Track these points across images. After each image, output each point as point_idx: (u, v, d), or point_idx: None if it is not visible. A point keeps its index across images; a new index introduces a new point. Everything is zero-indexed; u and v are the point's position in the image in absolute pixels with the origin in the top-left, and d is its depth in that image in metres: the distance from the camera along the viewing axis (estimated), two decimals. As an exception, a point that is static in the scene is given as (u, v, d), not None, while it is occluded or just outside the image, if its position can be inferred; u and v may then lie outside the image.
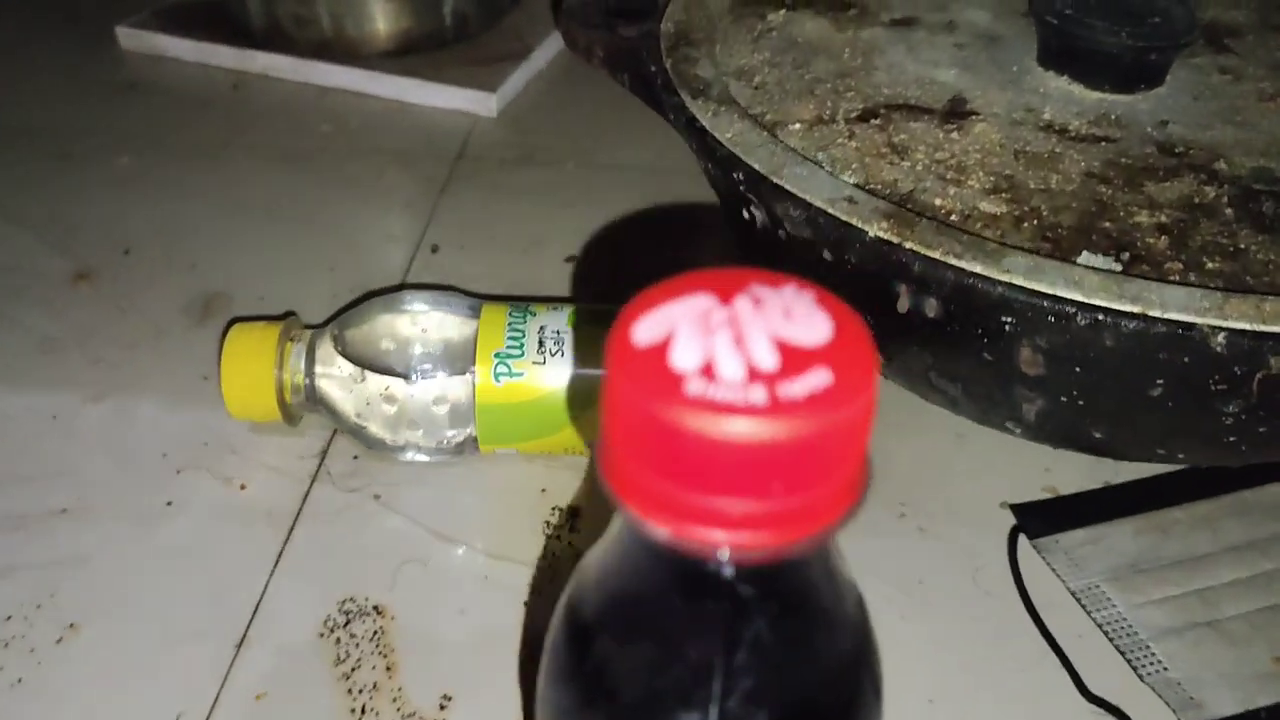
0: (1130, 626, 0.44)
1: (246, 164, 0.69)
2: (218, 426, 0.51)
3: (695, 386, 0.17)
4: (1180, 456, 0.42)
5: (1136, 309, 0.34)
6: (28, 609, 0.44)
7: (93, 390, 0.53)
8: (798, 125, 0.44)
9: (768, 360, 0.18)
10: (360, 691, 0.41)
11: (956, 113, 0.45)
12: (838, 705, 0.21)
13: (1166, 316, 0.33)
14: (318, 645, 0.43)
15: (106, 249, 0.62)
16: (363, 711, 0.41)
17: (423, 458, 0.49)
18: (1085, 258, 0.37)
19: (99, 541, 0.46)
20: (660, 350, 0.18)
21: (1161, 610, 0.44)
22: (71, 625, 0.43)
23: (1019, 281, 0.34)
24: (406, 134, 0.73)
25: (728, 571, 0.19)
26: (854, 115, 0.45)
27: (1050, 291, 0.34)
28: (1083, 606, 0.45)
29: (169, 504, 0.48)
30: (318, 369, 0.47)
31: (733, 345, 0.18)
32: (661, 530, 0.18)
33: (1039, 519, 0.48)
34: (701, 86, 0.44)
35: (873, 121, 0.45)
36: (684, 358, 0.18)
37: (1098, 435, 0.40)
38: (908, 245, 0.36)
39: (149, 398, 0.53)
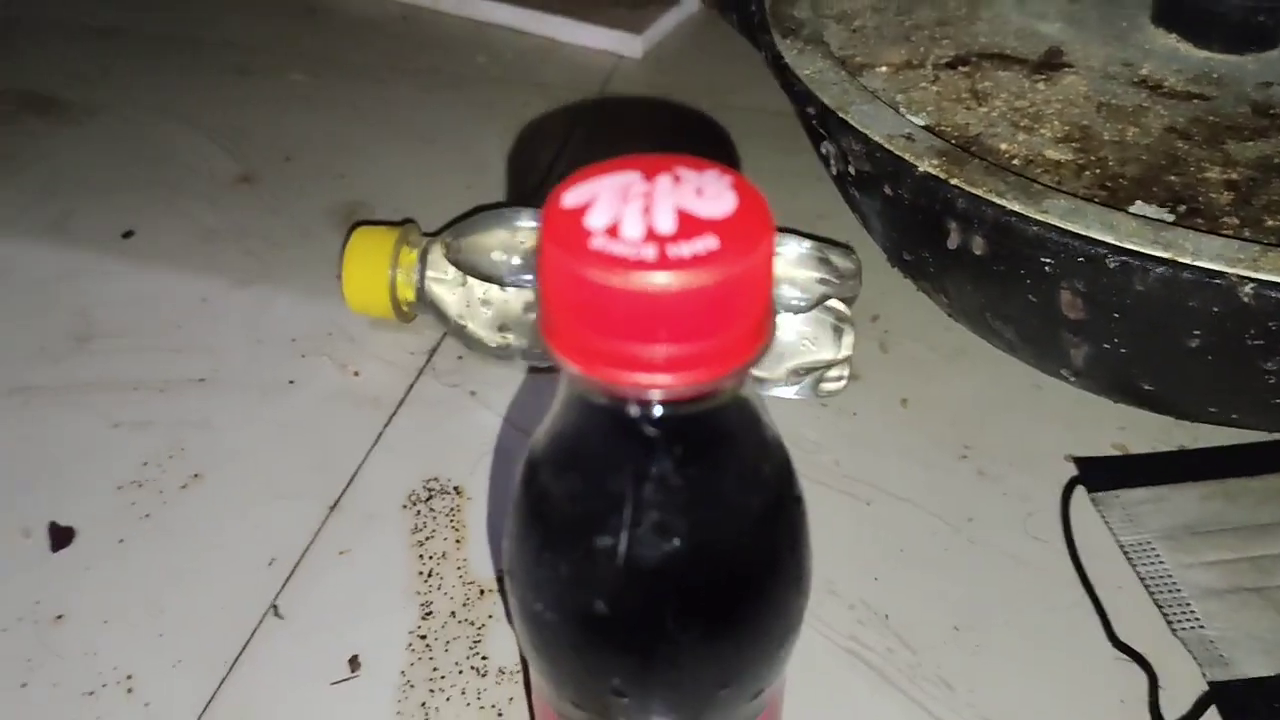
0: (1174, 583, 0.44)
1: (406, 88, 0.74)
2: (342, 320, 0.56)
3: (598, 242, 0.20)
4: (1234, 418, 0.42)
5: (1167, 255, 0.34)
6: (161, 458, 0.50)
7: (240, 278, 0.59)
8: (884, 68, 0.46)
9: (667, 225, 0.20)
10: (430, 558, 0.46)
11: (1049, 64, 0.46)
12: (745, 555, 0.24)
13: (1196, 264, 0.34)
14: (400, 515, 0.47)
15: (270, 155, 0.68)
16: (429, 575, 0.45)
17: (517, 362, 0.52)
18: (1138, 207, 0.38)
19: (227, 408, 0.52)
20: (579, 213, 0.21)
21: (1209, 572, 0.44)
22: (195, 475, 0.49)
23: (1055, 222, 0.36)
24: (554, 69, 0.77)
25: (634, 412, 0.22)
26: (943, 62, 0.46)
27: (1084, 233, 0.35)
28: (1129, 560, 0.45)
29: (291, 382, 0.53)
30: (429, 272, 0.52)
31: (640, 212, 0.21)
32: (576, 370, 0.21)
33: (1102, 473, 0.48)
34: (794, 26, 0.46)
35: (960, 69, 0.46)
36: (596, 219, 0.21)
37: (1147, 387, 0.41)
38: (953, 182, 0.37)
39: (287, 289, 0.58)
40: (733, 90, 0.73)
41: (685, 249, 0.20)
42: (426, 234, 0.54)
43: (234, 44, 0.79)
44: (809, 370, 0.49)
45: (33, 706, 0.41)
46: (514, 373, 0.53)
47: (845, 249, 0.50)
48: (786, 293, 0.48)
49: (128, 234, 0.62)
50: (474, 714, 0.40)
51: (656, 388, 0.21)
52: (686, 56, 0.78)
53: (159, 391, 0.53)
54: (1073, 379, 0.43)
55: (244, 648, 0.42)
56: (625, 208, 0.21)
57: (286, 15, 0.83)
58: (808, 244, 0.49)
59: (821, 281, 0.49)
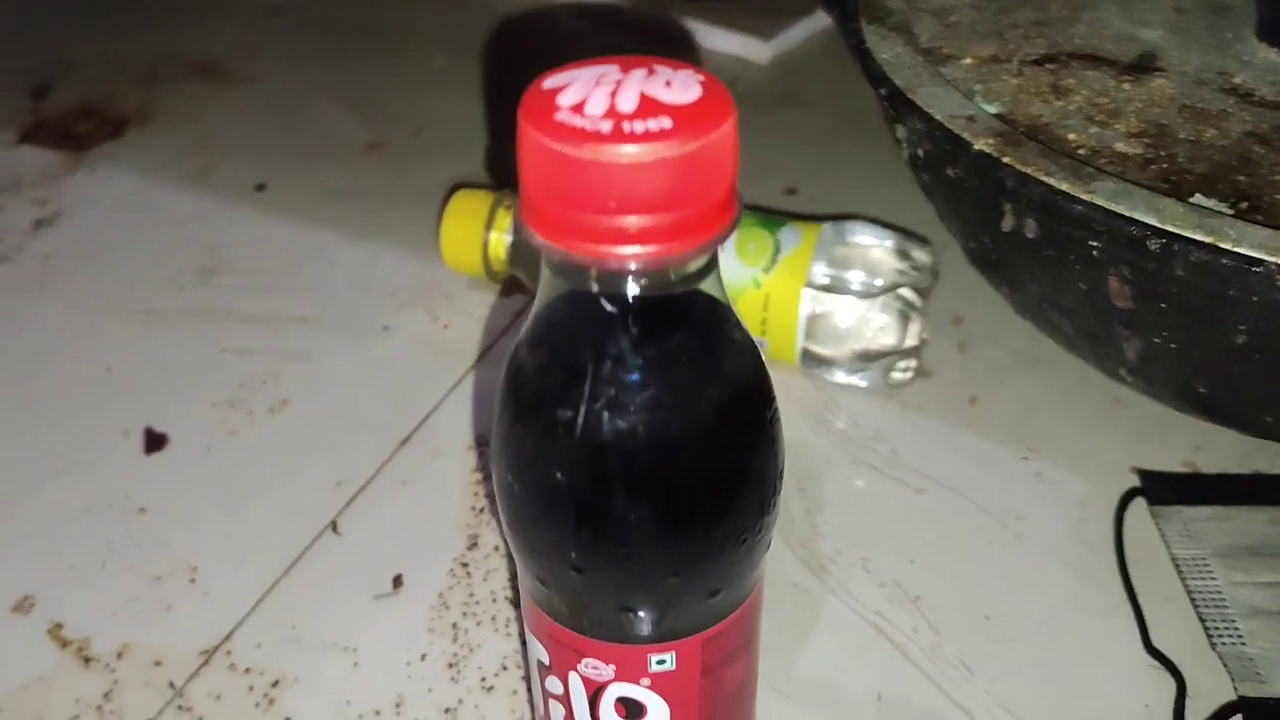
0: (1222, 599, 0.43)
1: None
2: (441, 279, 0.59)
3: (562, 115, 0.22)
4: (1293, 428, 0.40)
5: (1208, 239, 0.34)
6: (255, 383, 0.53)
7: (355, 233, 0.63)
8: (969, 60, 0.46)
9: (629, 106, 0.22)
10: (484, 496, 0.48)
11: (1140, 66, 0.46)
12: (697, 443, 0.25)
13: (1236, 250, 0.33)
14: (464, 455, 0.50)
15: (403, 128, 0.72)
16: (481, 510, 0.47)
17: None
18: (1197, 199, 0.37)
19: (323, 345, 0.55)
20: (553, 94, 0.23)
21: (1261, 592, 0.43)
22: (284, 401, 0.52)
23: (1100, 203, 0.36)
24: (683, 69, 0.79)
25: (596, 289, 0.24)
26: (1031, 59, 0.47)
27: (1127, 214, 0.35)
28: (1179, 573, 0.44)
29: (385, 328, 0.57)
30: (519, 233, 0.54)
31: (607, 95, 0.22)
32: (543, 242, 0.23)
33: (1166, 488, 0.47)
34: (882, 14, 0.47)
35: (1047, 66, 0.46)
36: (566, 99, 0.22)
37: (1201, 389, 0.40)
38: (1005, 160, 0.37)
39: (396, 246, 0.62)
40: (856, 99, 0.74)
41: (640, 125, 0.21)
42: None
43: (388, 29, 0.84)
44: (876, 357, 0.50)
45: (107, 582, 0.44)
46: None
47: (922, 241, 0.50)
48: (858, 277, 0.49)
49: (260, 187, 0.66)
50: (500, 640, 0.42)
51: (611, 259, 0.22)
52: (814, 65, 0.79)
53: (265, 325, 0.57)
54: (1130, 379, 0.43)
55: (300, 556, 0.45)
56: (595, 90, 0.22)
57: (441, 5, 0.87)
58: (886, 233, 0.50)
59: (896, 270, 0.49)
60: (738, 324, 0.26)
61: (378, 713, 0.40)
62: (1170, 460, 0.49)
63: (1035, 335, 0.54)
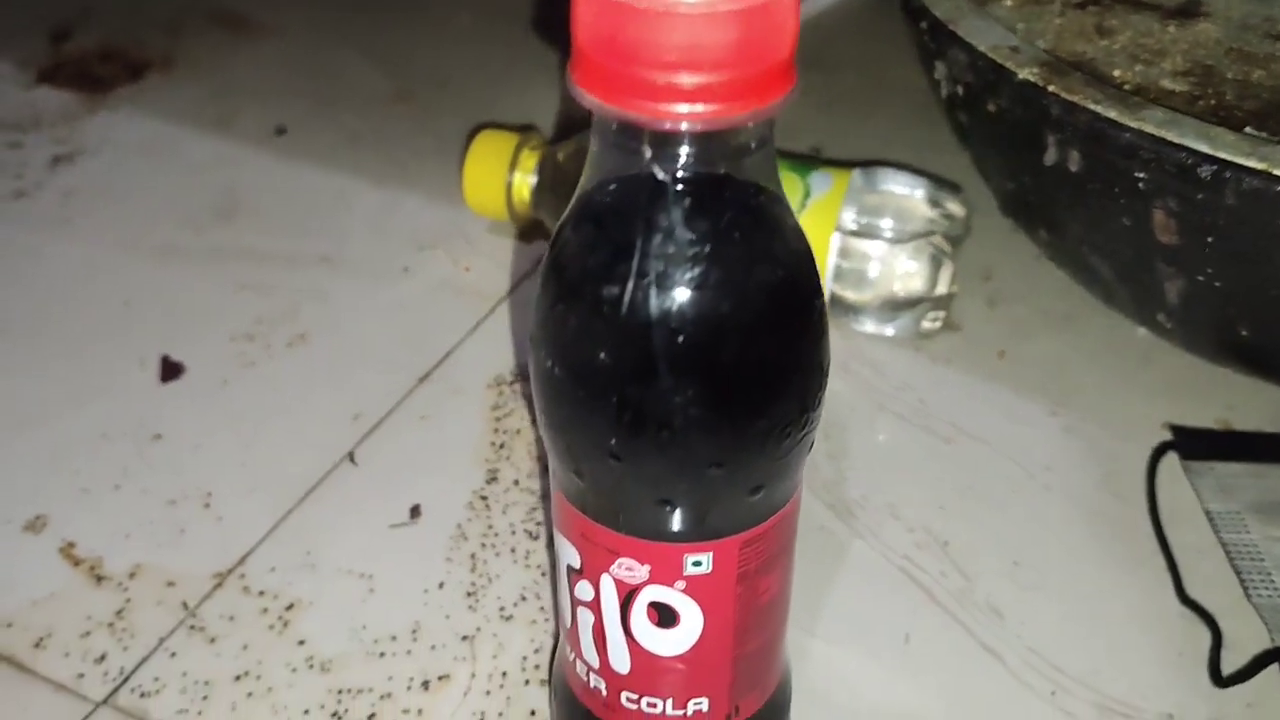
0: (1258, 552, 0.42)
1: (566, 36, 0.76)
2: (463, 223, 0.58)
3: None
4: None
5: (1261, 166, 0.33)
6: (273, 319, 0.53)
7: (377, 179, 0.62)
8: (1011, 2, 0.46)
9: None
10: (505, 433, 0.47)
11: (1186, 11, 0.45)
12: (745, 327, 0.24)
13: (1291, 176, 0.32)
14: (484, 393, 0.49)
15: (429, 80, 0.71)
16: (501, 446, 0.46)
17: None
18: (1248, 131, 0.37)
19: (342, 284, 0.55)
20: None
21: (1298, 547, 0.42)
22: (302, 336, 0.52)
23: (1150, 130, 0.35)
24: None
25: (649, 156, 0.23)
26: (1074, 2, 0.46)
27: (1179, 141, 0.34)
28: (1214, 527, 0.43)
29: (405, 269, 0.56)
30: (546, 173, 0.54)
31: (668, -53, 0.22)
32: (596, 102, 0.22)
33: (1200, 444, 0.46)
34: (924, -47, 0.46)
35: (1090, 8, 0.45)
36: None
37: (1244, 332, 0.39)
38: (1051, 89, 0.37)
39: (418, 192, 0.61)
40: (885, 68, 0.73)
41: (706, -20, 0.21)
42: (549, 143, 0.56)
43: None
44: (905, 305, 0.49)
45: (121, 505, 0.44)
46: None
47: (955, 189, 0.49)
48: (889, 224, 0.48)
49: (281, 131, 0.65)
50: (519, 571, 0.41)
51: (666, 118, 0.21)
52: (839, 32, 0.78)
53: (283, 264, 0.56)
54: (1169, 325, 0.42)
55: (316, 485, 0.44)
56: (655, -57, 0.21)
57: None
58: (919, 180, 0.49)
59: (927, 218, 0.48)
60: (790, 212, 0.25)
61: (394, 638, 0.39)
62: (1203, 417, 0.48)
63: (1065, 292, 0.53)
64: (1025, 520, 0.43)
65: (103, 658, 0.38)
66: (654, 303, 0.23)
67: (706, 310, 0.23)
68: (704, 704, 0.30)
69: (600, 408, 0.24)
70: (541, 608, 0.40)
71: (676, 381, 0.24)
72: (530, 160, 0.54)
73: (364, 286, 0.55)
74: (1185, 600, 0.40)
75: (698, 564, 0.27)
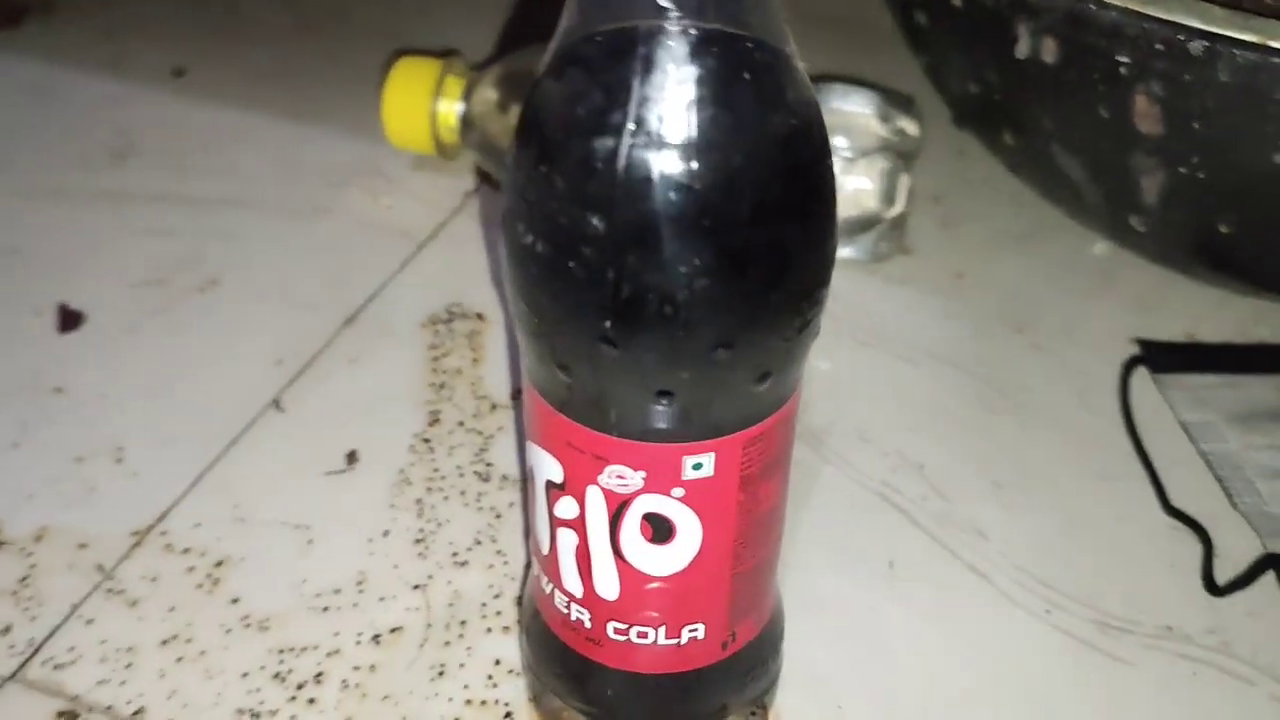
0: (1239, 461, 0.41)
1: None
2: (381, 159, 0.54)
3: None
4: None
5: (1256, 39, 0.31)
6: (178, 263, 0.48)
7: (283, 114, 0.57)
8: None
9: None
10: (444, 373, 0.43)
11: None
12: (752, 180, 0.21)
13: (1287, 47, 0.31)
14: (418, 333, 0.45)
15: (331, 11, 0.66)
16: (441, 387, 0.43)
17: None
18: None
19: (252, 226, 0.50)
20: None
21: (1278, 455, 0.41)
22: (212, 280, 0.47)
23: (1135, 7, 0.33)
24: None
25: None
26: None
27: (1167, 18, 0.32)
28: (1191, 438, 0.42)
29: (320, 209, 0.52)
30: (473, 103, 0.50)
31: None
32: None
33: (1170, 357, 0.45)
34: None
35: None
36: None
37: (1224, 229, 0.38)
38: (1028, -31, 0.34)
39: (329, 127, 0.56)
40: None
41: None
42: (472, 67, 0.52)
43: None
44: (861, 226, 0.47)
45: (20, 464, 0.39)
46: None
47: (907, 102, 0.47)
48: (841, 142, 0.46)
49: (179, 72, 0.60)
50: (470, 515, 0.38)
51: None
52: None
53: (186, 206, 0.51)
54: (1144, 229, 0.40)
55: (240, 434, 0.41)
56: None
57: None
58: (869, 95, 0.47)
59: (878, 136, 0.46)
60: (798, 68, 0.22)
61: (338, 591, 0.35)
62: (1170, 331, 0.46)
63: (1020, 212, 0.51)
64: (1002, 440, 0.41)
65: (7, 629, 0.34)
66: (655, 156, 0.20)
67: (716, 163, 0.20)
68: (699, 630, 0.27)
69: (593, 285, 0.21)
70: (498, 551, 0.37)
71: (683, 247, 0.21)
72: (456, 86, 0.50)
73: (278, 227, 0.50)
74: (1171, 511, 0.39)
75: (698, 467, 0.24)
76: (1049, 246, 0.50)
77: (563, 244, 0.21)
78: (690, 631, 0.27)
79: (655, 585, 0.26)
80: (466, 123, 0.50)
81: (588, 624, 0.27)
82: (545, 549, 0.27)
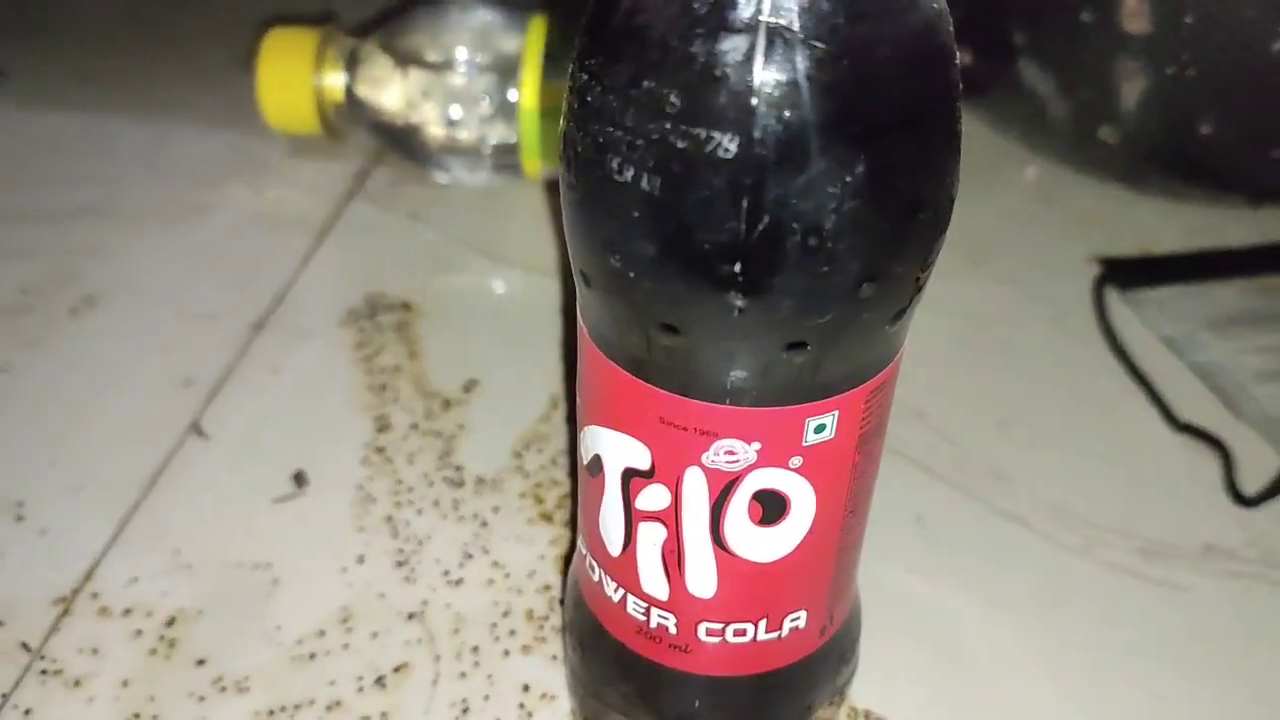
0: (1229, 370, 0.40)
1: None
2: (255, 148, 0.49)
3: None
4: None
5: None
6: (46, 285, 0.42)
7: (133, 115, 0.51)
8: None
9: None
10: (381, 372, 0.38)
11: None
12: (915, 79, 0.18)
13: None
14: (337, 332, 0.40)
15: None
16: (383, 388, 0.38)
17: (466, 175, 0.46)
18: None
19: (123, 235, 0.44)
20: None
21: (1265, 357, 0.40)
22: (88, 299, 0.41)
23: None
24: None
25: None
26: None
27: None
28: (1176, 351, 0.40)
29: (199, 209, 0.46)
30: (360, 72, 0.45)
31: None
32: None
33: (1132, 273, 0.44)
34: None
35: None
36: None
37: (1206, 129, 0.36)
38: None
39: (188, 123, 0.51)
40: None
41: None
42: (351, 34, 0.47)
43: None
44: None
45: (-109, 538, 0.32)
46: (460, 194, 0.47)
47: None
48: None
49: (-4, 72, 0.53)
50: (452, 526, 0.33)
51: None
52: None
53: (41, 222, 0.45)
54: (1115, 139, 0.38)
55: (160, 468, 0.35)
56: None
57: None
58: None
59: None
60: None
61: (321, 633, 0.30)
62: (1124, 248, 0.45)
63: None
64: (993, 376, 0.39)
65: (-81, 738, 0.28)
66: (797, 54, 0.16)
67: (865, 60, 0.17)
68: (801, 618, 0.24)
69: (720, 221, 0.17)
70: (494, 563, 0.32)
71: (832, 162, 0.17)
72: (337, 57, 0.45)
73: (153, 233, 0.44)
74: (1181, 427, 0.37)
75: (820, 429, 0.20)
76: (983, 177, 0.48)
77: (680, 174, 0.17)
78: (792, 621, 0.24)
79: (759, 574, 0.22)
80: (353, 96, 0.45)
81: (673, 629, 0.24)
82: (617, 550, 0.23)
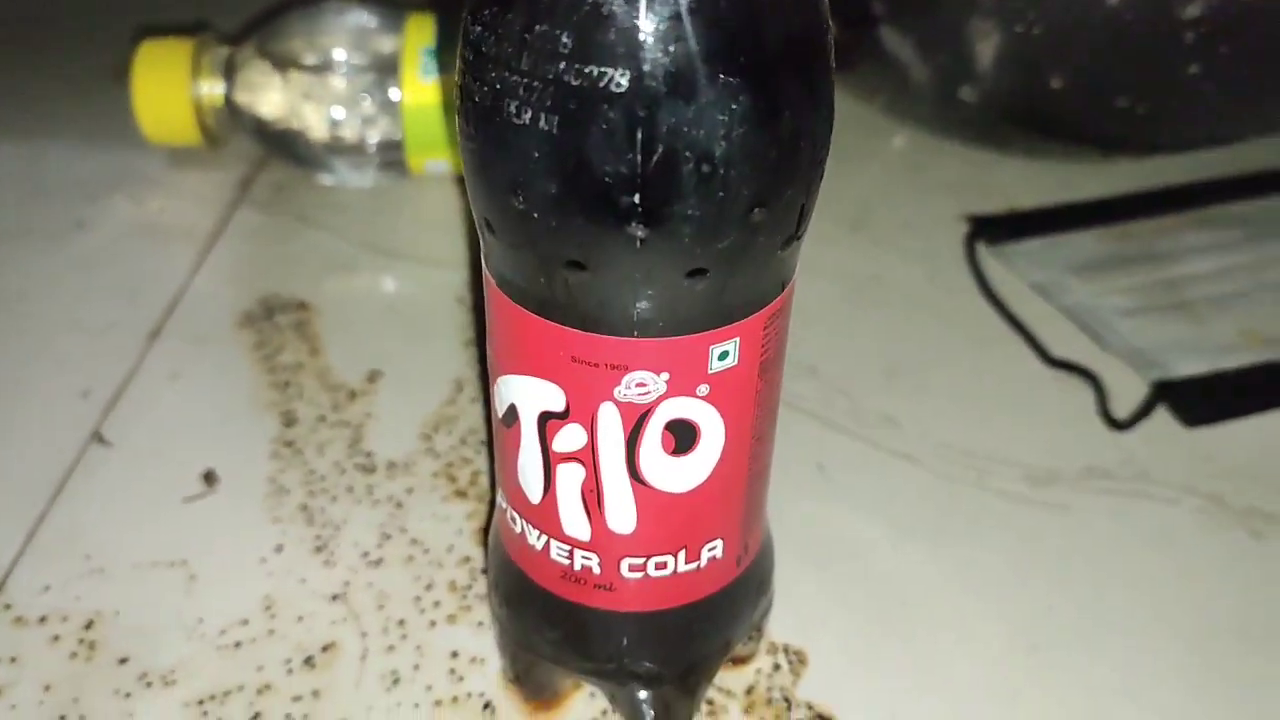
0: (1094, 309, 0.42)
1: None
2: (133, 161, 0.48)
3: None
4: (1140, 112, 0.40)
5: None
6: (-76, 309, 0.41)
7: (10, 134, 0.50)
8: None
9: None
10: (284, 370, 0.39)
11: None
12: (774, 7, 0.19)
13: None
14: (236, 335, 0.40)
15: (27, 15, 0.58)
16: (286, 385, 0.38)
17: (351, 175, 0.46)
18: None
19: (8, 252, 0.44)
20: None
21: (1127, 296, 0.43)
22: (-29, 321, 0.40)
23: None
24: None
25: None
26: None
27: None
28: (1044, 296, 0.43)
29: (79, 224, 0.45)
30: (237, 79, 0.45)
31: None
32: None
33: (1000, 228, 0.46)
34: None
35: None
36: None
37: (1056, 85, 0.39)
38: None
39: (60, 141, 0.50)
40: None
41: None
42: (226, 43, 0.47)
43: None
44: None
45: None
46: (346, 195, 0.47)
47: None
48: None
49: None
50: (367, 510, 0.34)
51: None
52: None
53: (-88, 245, 0.44)
54: (974, 98, 0.41)
55: (64, 478, 0.34)
56: None
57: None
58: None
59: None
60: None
61: (245, 621, 0.31)
62: (991, 206, 0.48)
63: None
64: (878, 331, 0.41)
65: None
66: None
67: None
68: (718, 548, 0.25)
69: (618, 155, 0.18)
70: (413, 540, 0.33)
71: (720, 92, 0.18)
72: (214, 65, 0.45)
73: (36, 251, 0.44)
74: (1054, 363, 0.40)
75: (724, 356, 0.22)
76: (855, 148, 0.50)
77: (576, 111, 0.18)
78: (710, 551, 0.25)
79: (675, 504, 0.23)
80: (232, 104, 0.45)
81: (597, 569, 0.25)
82: (538, 496, 0.24)
